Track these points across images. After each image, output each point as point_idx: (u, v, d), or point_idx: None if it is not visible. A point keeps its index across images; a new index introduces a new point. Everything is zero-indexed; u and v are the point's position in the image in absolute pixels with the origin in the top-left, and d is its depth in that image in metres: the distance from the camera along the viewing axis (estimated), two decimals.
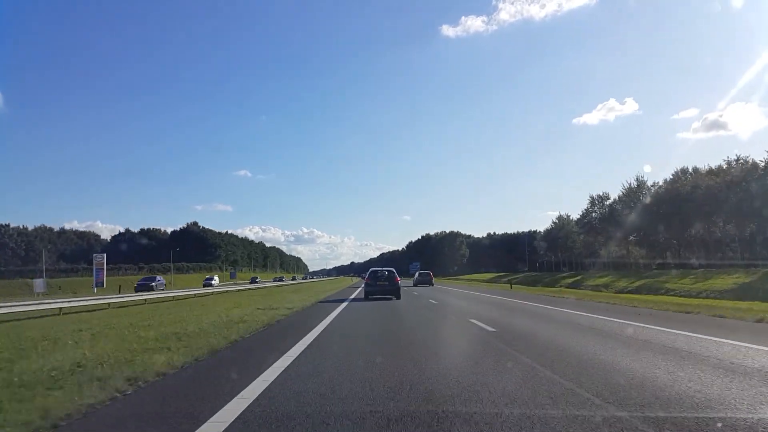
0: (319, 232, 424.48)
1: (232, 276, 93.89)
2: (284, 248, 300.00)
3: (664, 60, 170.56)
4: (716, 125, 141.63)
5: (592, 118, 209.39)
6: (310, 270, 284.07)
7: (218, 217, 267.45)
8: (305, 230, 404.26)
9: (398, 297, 22.90)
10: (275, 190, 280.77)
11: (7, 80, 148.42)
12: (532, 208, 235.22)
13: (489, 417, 4.24)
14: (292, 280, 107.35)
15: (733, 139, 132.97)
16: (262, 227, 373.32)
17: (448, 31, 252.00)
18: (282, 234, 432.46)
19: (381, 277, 25.35)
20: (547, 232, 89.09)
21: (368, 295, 23.74)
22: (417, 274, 52.45)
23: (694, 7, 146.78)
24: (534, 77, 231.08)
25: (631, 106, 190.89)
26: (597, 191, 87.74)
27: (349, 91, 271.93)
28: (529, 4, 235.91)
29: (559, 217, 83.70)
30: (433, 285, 45.34)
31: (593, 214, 70.63)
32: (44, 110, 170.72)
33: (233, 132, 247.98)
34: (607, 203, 69.73)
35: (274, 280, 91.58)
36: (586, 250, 75.46)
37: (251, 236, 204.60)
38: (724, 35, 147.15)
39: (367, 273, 26.91)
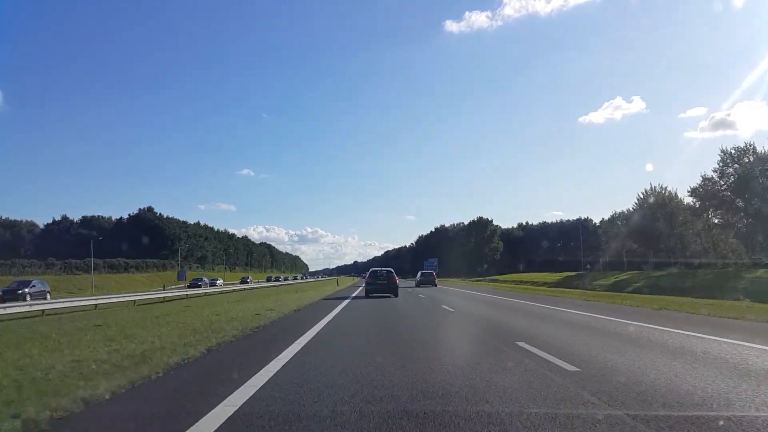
0: (323, 232, 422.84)
1: (180, 277, 76.45)
2: (288, 248, 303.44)
3: (672, 57, 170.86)
4: (724, 124, 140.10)
5: (598, 116, 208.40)
6: (312, 270, 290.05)
7: (221, 216, 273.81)
8: (309, 230, 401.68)
9: (396, 295, 25.85)
10: (278, 189, 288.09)
11: (9, 80, 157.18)
12: (537, 207, 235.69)
13: None
14: (242, 282, 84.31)
15: (741, 138, 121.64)
16: (266, 227, 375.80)
17: (451, 26, 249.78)
18: (286, 234, 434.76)
19: (380, 276, 28.63)
20: (632, 213, 65.38)
21: (368, 293, 27.06)
22: (419, 274, 49.57)
23: (701, 4, 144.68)
24: (539, 74, 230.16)
25: (638, 104, 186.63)
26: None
27: (351, 89, 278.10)
28: None
29: (653, 191, 59.98)
30: (436, 285, 44.06)
31: (722, 181, 48.23)
32: (45, 110, 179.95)
33: (235, 131, 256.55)
34: (747, 160, 46.31)
35: (190, 284, 67.05)
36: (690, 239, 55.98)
37: (255, 236, 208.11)
38: (733, 33, 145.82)
39: (368, 273, 30.72)
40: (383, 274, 28.25)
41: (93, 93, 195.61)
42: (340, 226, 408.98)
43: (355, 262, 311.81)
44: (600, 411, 4.42)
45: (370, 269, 31.44)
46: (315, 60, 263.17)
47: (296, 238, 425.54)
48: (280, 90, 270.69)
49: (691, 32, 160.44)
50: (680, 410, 4.46)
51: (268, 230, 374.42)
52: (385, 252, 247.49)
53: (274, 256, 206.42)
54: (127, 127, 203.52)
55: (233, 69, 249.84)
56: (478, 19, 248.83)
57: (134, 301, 29.60)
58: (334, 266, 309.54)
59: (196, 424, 4.25)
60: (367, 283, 28.02)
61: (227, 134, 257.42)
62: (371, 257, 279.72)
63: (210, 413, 4.54)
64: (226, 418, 4.49)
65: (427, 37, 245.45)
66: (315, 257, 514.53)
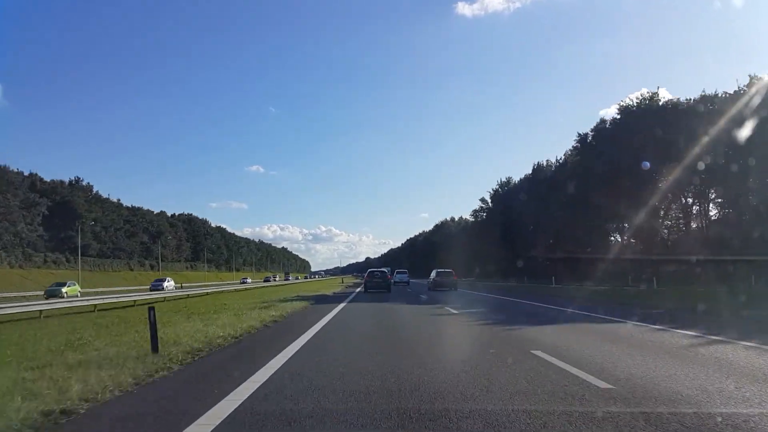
0: (337, 231, 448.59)
1: None
2: (302, 247, 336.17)
3: (702, 44, 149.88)
4: None
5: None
6: (324, 268, 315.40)
7: (234, 215, 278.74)
8: (323, 228, 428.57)
9: (389, 291, 37.82)
10: (290, 187, 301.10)
11: (14, 81, 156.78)
12: None
13: None
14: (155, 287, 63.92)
15: None
16: (281, 226, 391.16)
17: (464, 9, 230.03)
18: (300, 233, 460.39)
19: (376, 276, 39.78)
20: None
21: (367, 290, 38.37)
22: (434, 272, 45.38)
23: None
24: (559, 63, 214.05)
25: (663, 96, 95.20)
26: None
27: (359, 84, 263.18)
28: None
29: None
30: (456, 289, 42.04)
31: None
32: (51, 112, 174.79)
33: (242, 126, 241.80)
34: None
35: None
36: None
37: (269, 235, 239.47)
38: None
39: (366, 273, 43.72)
40: (378, 274, 39.97)
41: (101, 92, 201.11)
42: (354, 225, 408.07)
43: (367, 258, 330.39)
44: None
45: (368, 270, 45.08)
46: (319, 54, 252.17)
47: (310, 237, 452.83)
48: (286, 83, 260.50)
49: (725, 18, 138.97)
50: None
51: (282, 229, 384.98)
52: (408, 238, 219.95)
53: (243, 246, 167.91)
54: (133, 127, 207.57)
55: (238, 64, 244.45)
56: (493, 0, 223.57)
57: None
58: (345, 264, 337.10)
59: None
60: (366, 281, 40.78)
61: (234, 129, 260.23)
62: (387, 251, 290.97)
63: None
64: None
65: (440, 18, 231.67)
66: (330, 256, 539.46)
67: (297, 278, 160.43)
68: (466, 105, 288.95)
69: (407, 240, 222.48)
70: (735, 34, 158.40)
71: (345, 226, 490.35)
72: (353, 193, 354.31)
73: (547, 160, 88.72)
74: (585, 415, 4.35)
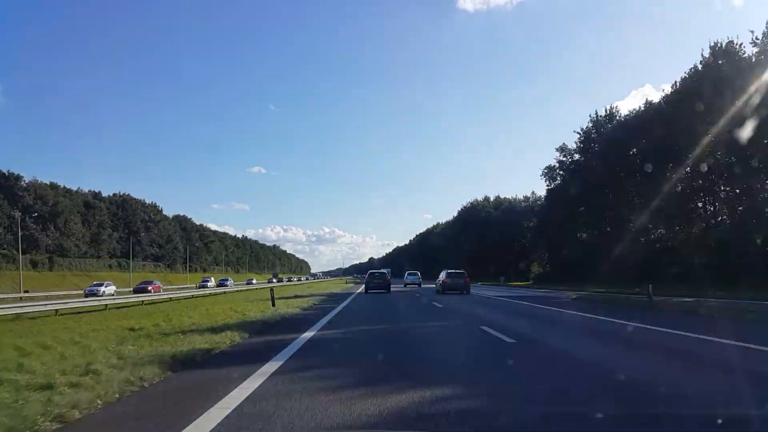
0: (341, 232, 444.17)
1: None
2: (306, 248, 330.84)
3: (709, 38, 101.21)
4: None
5: (625, 106, 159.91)
6: (327, 269, 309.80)
7: (236, 216, 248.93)
8: (326, 230, 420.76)
9: (389, 291, 42.39)
10: (292, 188, 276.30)
11: (17, 78, 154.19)
12: None
13: None
14: None
15: None
16: (284, 227, 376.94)
17: (465, 4, 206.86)
18: (304, 234, 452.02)
19: (377, 277, 44.06)
20: None
21: (368, 290, 43.13)
22: (444, 273, 42.37)
23: None
24: (561, 59, 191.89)
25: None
26: None
27: (359, 83, 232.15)
28: None
29: None
30: (469, 292, 40.61)
31: None
32: (46, 112, 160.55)
33: (242, 126, 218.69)
34: None
35: None
36: None
37: (273, 236, 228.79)
38: None
39: (367, 274, 49.04)
40: (378, 275, 44.16)
41: (100, 93, 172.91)
42: (357, 227, 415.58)
43: (371, 258, 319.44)
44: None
45: (369, 271, 50.74)
46: (318, 51, 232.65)
47: (314, 239, 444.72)
48: (285, 81, 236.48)
49: (732, 13, 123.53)
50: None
51: (285, 230, 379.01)
52: (418, 235, 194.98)
53: (188, 235, 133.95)
54: (130, 126, 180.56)
55: (238, 61, 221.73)
56: None
57: None
58: (348, 265, 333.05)
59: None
60: (366, 282, 45.31)
61: (234, 130, 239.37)
62: (392, 250, 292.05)
63: None
64: None
65: (440, 13, 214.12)
66: (333, 257, 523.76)
67: (273, 281, 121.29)
68: (468, 103, 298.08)
69: (416, 236, 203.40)
70: (737, 32, 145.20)
71: (348, 228, 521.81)
72: (356, 194, 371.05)
73: (729, 39, 44.17)
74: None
